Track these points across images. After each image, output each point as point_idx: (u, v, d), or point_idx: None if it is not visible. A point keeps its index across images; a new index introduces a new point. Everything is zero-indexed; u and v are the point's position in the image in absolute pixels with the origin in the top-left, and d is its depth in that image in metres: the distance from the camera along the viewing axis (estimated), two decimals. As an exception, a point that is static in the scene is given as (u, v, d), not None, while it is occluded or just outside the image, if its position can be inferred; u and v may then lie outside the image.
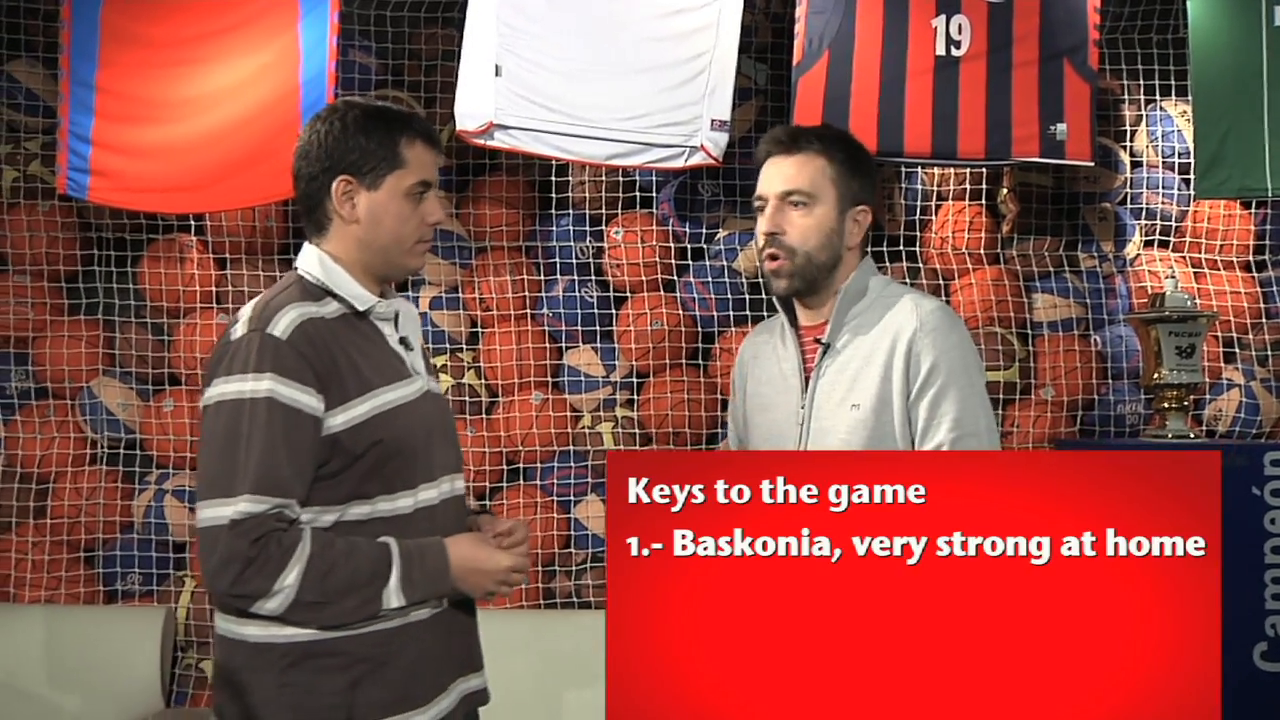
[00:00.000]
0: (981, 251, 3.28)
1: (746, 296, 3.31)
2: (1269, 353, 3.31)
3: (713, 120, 2.97)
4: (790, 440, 2.01)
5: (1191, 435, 2.95)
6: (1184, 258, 3.31)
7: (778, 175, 2.02)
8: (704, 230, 3.35)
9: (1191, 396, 3.00)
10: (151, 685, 3.04)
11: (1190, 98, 3.09)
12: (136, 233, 3.31)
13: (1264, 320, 3.33)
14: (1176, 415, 2.93)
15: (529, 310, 3.34)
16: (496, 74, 2.95)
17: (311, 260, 1.84)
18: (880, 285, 2.04)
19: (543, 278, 3.35)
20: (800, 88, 2.97)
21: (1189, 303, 2.93)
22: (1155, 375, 2.92)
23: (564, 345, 3.36)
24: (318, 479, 1.73)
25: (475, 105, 2.97)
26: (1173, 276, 3.03)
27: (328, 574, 1.68)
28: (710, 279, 3.30)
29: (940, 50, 2.94)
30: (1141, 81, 3.35)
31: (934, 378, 1.91)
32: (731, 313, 3.30)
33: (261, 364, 1.69)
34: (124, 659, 3.04)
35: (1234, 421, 3.23)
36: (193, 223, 3.31)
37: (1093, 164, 3.01)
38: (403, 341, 1.90)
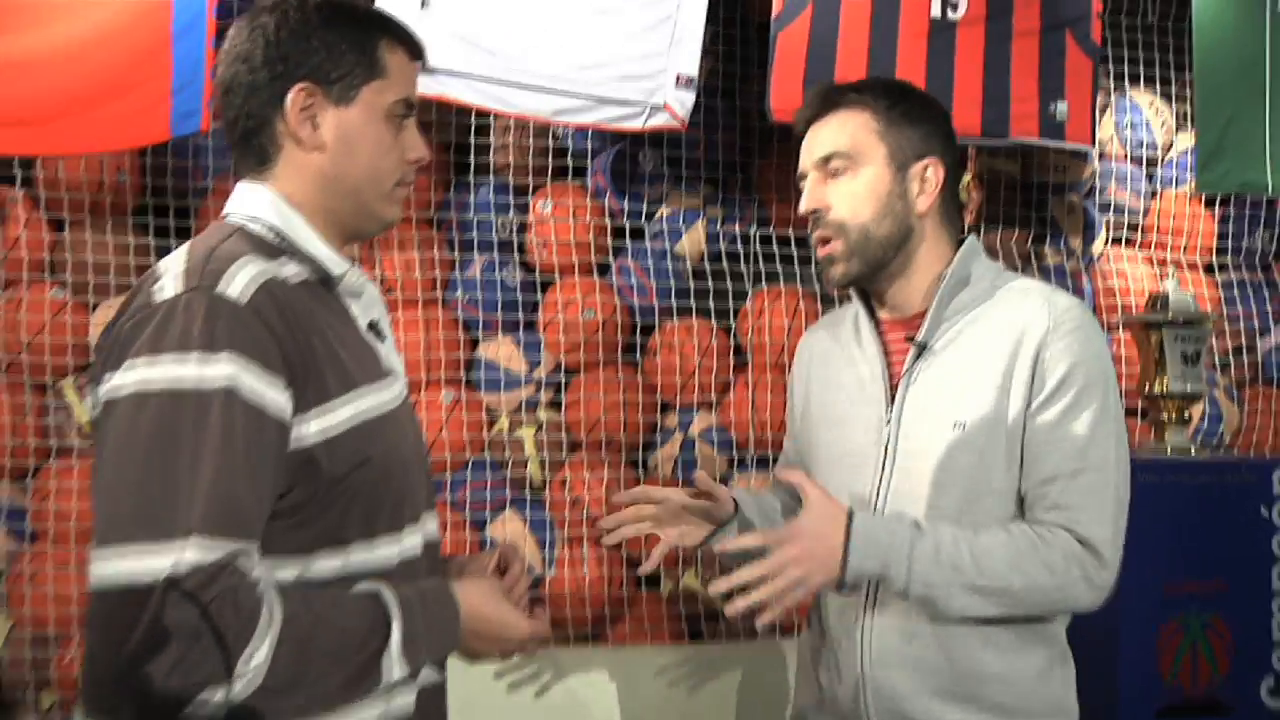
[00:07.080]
0: (946, 243, 2.98)
1: (691, 284, 2.89)
2: (1230, 360, 3.16)
3: (678, 75, 2.54)
4: (869, 463, 1.61)
5: (1192, 452, 2.68)
6: (1149, 257, 3.12)
7: (813, 142, 1.67)
8: (644, 206, 2.91)
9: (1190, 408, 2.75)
10: None
11: (1193, 82, 2.86)
12: (-57, 183, 2.61)
13: (1225, 325, 3.16)
14: (1177, 429, 2.67)
15: (439, 294, 2.82)
16: (422, 7, 2.43)
17: (263, 204, 1.31)
18: (992, 272, 1.66)
19: (456, 256, 2.84)
20: (779, 43, 2.57)
21: (1193, 305, 2.69)
22: (1158, 384, 2.66)
23: (479, 336, 2.85)
24: (274, 516, 1.20)
25: (394, 43, 2.44)
26: (1172, 276, 2.79)
27: (307, 642, 1.16)
28: (650, 263, 2.87)
29: (935, 12, 2.60)
30: (1112, 68, 3.12)
31: (1064, 390, 1.53)
32: (674, 302, 2.88)
33: (213, 339, 1.15)
34: None
35: (1195, 432, 3.03)
36: (18, 172, 2.62)
37: (1093, 148, 2.75)
38: (372, 326, 1.41)
